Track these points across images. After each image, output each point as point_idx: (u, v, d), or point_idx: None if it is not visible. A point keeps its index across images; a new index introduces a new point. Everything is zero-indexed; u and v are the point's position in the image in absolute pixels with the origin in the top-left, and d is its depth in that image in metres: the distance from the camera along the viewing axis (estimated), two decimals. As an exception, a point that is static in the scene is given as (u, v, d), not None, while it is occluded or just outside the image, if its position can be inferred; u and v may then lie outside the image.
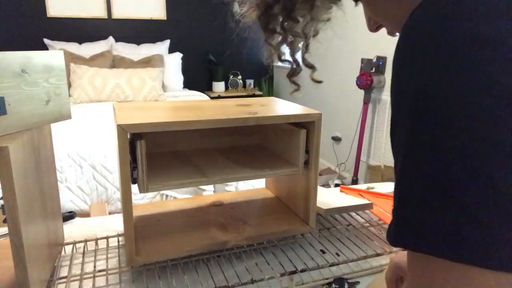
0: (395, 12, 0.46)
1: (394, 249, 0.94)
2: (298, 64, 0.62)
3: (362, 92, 3.02)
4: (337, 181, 3.30)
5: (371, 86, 2.91)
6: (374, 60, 2.93)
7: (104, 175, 2.26)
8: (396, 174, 0.36)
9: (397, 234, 0.35)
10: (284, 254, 0.93)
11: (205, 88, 4.54)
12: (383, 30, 0.55)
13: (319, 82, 0.68)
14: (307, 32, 0.56)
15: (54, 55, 0.76)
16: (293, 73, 0.65)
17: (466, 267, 0.30)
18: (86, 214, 2.16)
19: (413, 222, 0.33)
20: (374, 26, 0.55)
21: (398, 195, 0.35)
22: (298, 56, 0.63)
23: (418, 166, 0.33)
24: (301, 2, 0.52)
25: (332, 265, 0.88)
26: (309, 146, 0.93)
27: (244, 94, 4.56)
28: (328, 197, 1.15)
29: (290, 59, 0.59)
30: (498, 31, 0.31)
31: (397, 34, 0.48)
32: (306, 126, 0.92)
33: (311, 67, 0.62)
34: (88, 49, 3.78)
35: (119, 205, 2.27)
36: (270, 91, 4.76)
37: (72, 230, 1.03)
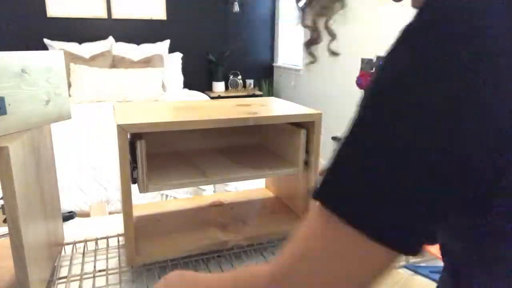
0: None
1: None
2: (318, 33, 0.60)
3: (362, 92, 3.02)
4: (337, 181, 3.30)
5: (371, 86, 2.91)
6: (374, 60, 2.93)
7: (104, 175, 2.26)
8: (345, 135, 0.37)
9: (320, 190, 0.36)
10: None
11: (205, 88, 4.54)
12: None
13: (336, 54, 0.66)
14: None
15: (54, 55, 0.76)
16: (312, 42, 0.62)
17: (356, 233, 0.32)
18: (86, 214, 2.15)
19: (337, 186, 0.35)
20: None
21: (337, 158, 0.37)
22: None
23: (363, 145, 0.34)
24: None
25: (332, 265, 0.88)
26: (309, 146, 0.93)
27: (244, 94, 4.56)
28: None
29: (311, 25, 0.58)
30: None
31: None
32: (306, 126, 0.92)
33: (333, 35, 0.61)
34: (88, 49, 3.78)
35: (119, 205, 2.27)
36: (270, 91, 4.76)
37: (72, 230, 1.03)
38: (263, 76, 4.80)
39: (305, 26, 0.59)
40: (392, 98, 0.33)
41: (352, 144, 0.36)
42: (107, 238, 0.97)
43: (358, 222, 0.33)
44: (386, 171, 0.32)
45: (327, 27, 0.59)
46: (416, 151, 0.32)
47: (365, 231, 0.32)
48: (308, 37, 0.61)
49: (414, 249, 0.33)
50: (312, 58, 0.65)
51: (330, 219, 0.34)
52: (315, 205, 0.36)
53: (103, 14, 4.02)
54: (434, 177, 0.31)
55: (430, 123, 0.31)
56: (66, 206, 2.15)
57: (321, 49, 0.63)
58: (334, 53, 0.67)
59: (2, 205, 0.62)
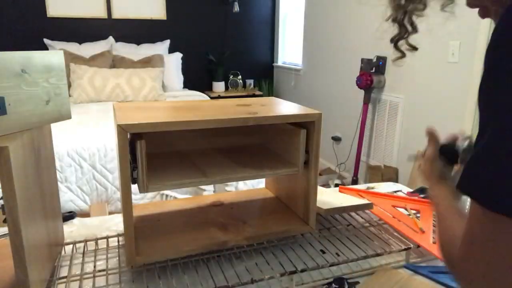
0: None
1: (393, 249, 0.94)
2: (406, 28, 0.63)
3: (362, 92, 3.02)
4: (337, 181, 3.30)
5: (371, 86, 2.91)
6: (374, 60, 2.93)
7: (104, 175, 2.26)
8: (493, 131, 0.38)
9: (462, 181, 0.40)
10: (284, 254, 0.93)
11: (205, 88, 4.54)
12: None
13: (415, 48, 0.69)
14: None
15: (54, 55, 0.76)
16: (399, 38, 0.66)
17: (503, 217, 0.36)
18: (86, 214, 2.16)
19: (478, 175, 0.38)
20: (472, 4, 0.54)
21: (485, 151, 0.39)
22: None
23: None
24: None
25: (332, 265, 0.88)
26: (309, 146, 0.93)
27: (244, 94, 4.56)
28: (328, 197, 1.15)
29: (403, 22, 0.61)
30: None
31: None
32: (306, 126, 0.92)
33: (416, 30, 0.64)
34: (88, 49, 3.78)
35: (119, 205, 2.27)
36: (270, 91, 4.76)
37: (72, 230, 1.03)
38: (263, 76, 4.80)
39: (393, 21, 0.62)
40: None
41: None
42: (107, 238, 0.97)
43: None
44: None
45: (412, 23, 0.62)
46: None
47: None
48: (395, 32, 0.64)
49: None
50: (401, 53, 0.68)
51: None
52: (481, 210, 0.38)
53: (103, 14, 4.02)
54: None
55: None
56: (66, 206, 2.15)
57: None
58: (413, 47, 0.69)
59: (2, 205, 0.62)
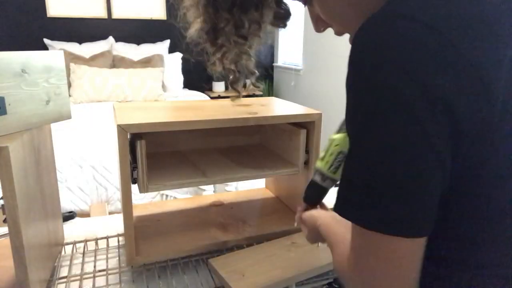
0: (347, 13, 0.51)
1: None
2: (240, 72, 0.67)
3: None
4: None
5: (371, 86, 2.91)
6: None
7: (104, 175, 2.26)
8: (349, 153, 0.44)
9: (342, 208, 0.45)
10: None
11: (205, 88, 4.54)
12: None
13: (258, 87, 0.76)
14: (251, 44, 0.60)
15: (54, 55, 0.76)
16: (235, 81, 0.70)
17: (391, 237, 0.41)
18: (86, 214, 2.15)
19: (356, 201, 0.43)
20: (321, 27, 0.58)
21: (347, 175, 0.45)
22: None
23: (367, 157, 0.41)
24: (250, 23, 0.57)
25: (332, 265, 0.88)
26: (309, 146, 0.93)
27: (244, 94, 4.55)
28: (328, 197, 1.15)
29: (232, 68, 0.63)
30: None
31: (346, 33, 0.55)
32: (306, 126, 0.92)
33: (253, 73, 0.67)
34: (88, 49, 3.77)
35: (119, 205, 2.27)
36: (270, 91, 4.76)
37: (72, 230, 1.03)
38: (263, 76, 4.80)
39: (225, 69, 0.64)
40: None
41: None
42: (107, 238, 0.97)
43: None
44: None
45: (247, 68, 0.64)
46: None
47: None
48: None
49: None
50: (237, 93, 0.73)
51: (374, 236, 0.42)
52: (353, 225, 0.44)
53: (103, 14, 4.02)
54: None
55: None
56: (66, 206, 2.15)
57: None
58: (256, 87, 0.77)
59: (2, 205, 0.62)
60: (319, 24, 0.57)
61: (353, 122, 0.43)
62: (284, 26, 0.62)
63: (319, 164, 0.77)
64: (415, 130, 0.38)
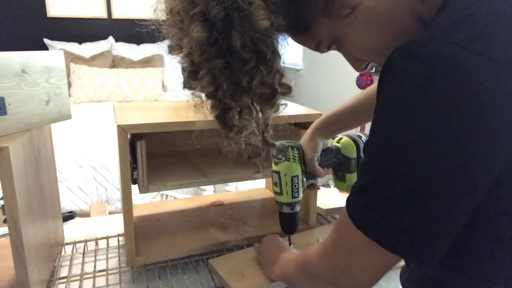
0: (381, 43, 0.48)
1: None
2: (258, 147, 0.66)
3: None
4: (337, 181, 3.29)
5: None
6: (374, 60, 2.93)
7: (104, 175, 2.26)
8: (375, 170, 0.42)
9: (349, 206, 0.45)
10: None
11: (205, 88, 4.53)
12: None
13: (280, 159, 0.77)
14: (266, 118, 0.59)
15: (54, 55, 0.76)
16: (255, 155, 0.69)
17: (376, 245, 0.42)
18: (86, 214, 2.15)
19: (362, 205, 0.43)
20: (362, 65, 0.56)
21: (361, 180, 0.44)
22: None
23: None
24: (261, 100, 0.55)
25: (332, 265, 0.88)
26: (309, 146, 0.93)
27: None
28: (328, 197, 1.15)
29: (251, 142, 0.62)
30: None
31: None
32: (306, 126, 0.92)
33: (273, 145, 0.66)
34: (88, 49, 3.77)
35: (119, 205, 2.27)
36: (270, 91, 4.76)
37: (72, 230, 1.03)
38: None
39: (246, 145, 0.63)
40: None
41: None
42: (107, 238, 0.97)
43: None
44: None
45: (265, 141, 0.65)
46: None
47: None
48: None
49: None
50: (257, 168, 0.72)
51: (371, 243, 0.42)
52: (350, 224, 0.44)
53: (103, 14, 4.02)
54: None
55: None
56: (66, 206, 2.15)
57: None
58: (278, 159, 0.78)
59: (2, 205, 0.62)
60: (359, 63, 0.56)
61: (386, 142, 0.41)
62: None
63: (281, 198, 0.80)
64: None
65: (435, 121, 0.36)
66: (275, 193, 0.80)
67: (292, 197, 0.79)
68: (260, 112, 0.57)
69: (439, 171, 0.37)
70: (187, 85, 3.63)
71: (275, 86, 0.54)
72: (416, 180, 0.38)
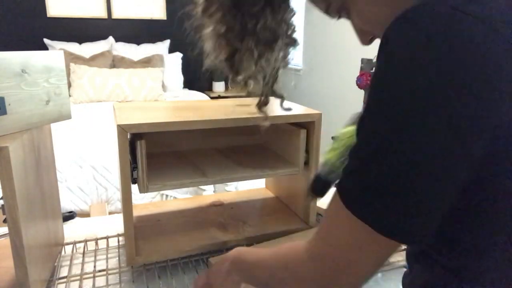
0: (386, 14, 0.47)
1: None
2: (267, 96, 0.67)
3: (362, 92, 3.02)
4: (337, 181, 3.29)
5: (371, 86, 2.91)
6: (374, 60, 2.93)
7: (104, 175, 2.26)
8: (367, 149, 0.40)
9: (350, 202, 0.42)
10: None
11: (205, 88, 4.53)
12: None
13: (289, 109, 0.76)
14: (275, 68, 0.60)
15: (54, 55, 0.76)
16: (263, 104, 0.71)
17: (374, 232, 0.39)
18: (86, 214, 2.15)
19: (368, 200, 0.40)
20: (367, 38, 0.56)
21: (366, 171, 0.40)
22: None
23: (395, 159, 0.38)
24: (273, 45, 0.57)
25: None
26: (309, 146, 0.93)
27: (244, 94, 4.56)
28: (328, 197, 1.14)
29: (260, 91, 0.64)
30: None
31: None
32: (306, 126, 0.92)
33: (281, 97, 0.67)
34: (88, 49, 3.77)
35: (119, 205, 2.27)
36: (270, 91, 4.76)
37: (72, 230, 1.03)
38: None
39: (250, 93, 0.64)
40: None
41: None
42: (107, 238, 0.97)
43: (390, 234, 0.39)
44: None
45: (273, 92, 0.64)
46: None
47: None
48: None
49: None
50: (265, 115, 0.73)
51: (362, 226, 0.40)
52: (341, 205, 0.41)
53: (103, 14, 4.02)
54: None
55: None
56: (66, 206, 2.15)
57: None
58: (286, 109, 0.77)
59: (2, 205, 0.62)
60: (364, 35, 0.55)
61: (381, 116, 0.39)
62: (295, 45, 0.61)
63: (329, 155, 0.72)
64: (457, 142, 0.36)
65: (432, 89, 0.35)
66: (329, 150, 0.73)
67: (338, 159, 0.70)
68: (268, 61, 0.57)
69: (437, 140, 0.36)
70: (186, 84, 3.58)
71: (278, 33, 0.54)
72: (415, 154, 0.37)
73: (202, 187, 2.13)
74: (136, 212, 1.01)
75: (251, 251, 0.61)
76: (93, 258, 0.90)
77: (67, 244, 0.95)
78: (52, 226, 0.86)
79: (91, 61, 3.64)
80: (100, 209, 2.21)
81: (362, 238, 0.41)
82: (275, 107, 0.99)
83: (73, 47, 3.74)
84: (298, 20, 0.58)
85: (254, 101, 1.06)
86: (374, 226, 0.39)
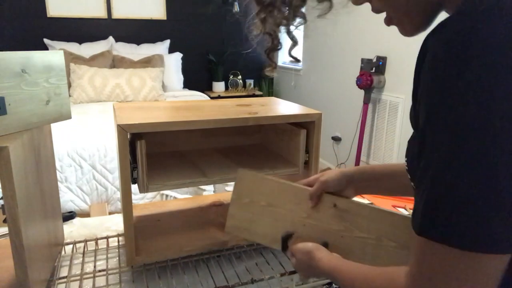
0: None
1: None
2: (278, 40, 0.65)
3: (362, 92, 3.02)
4: (337, 181, 3.29)
5: (371, 86, 2.91)
6: (374, 60, 2.93)
7: (104, 175, 2.26)
8: (430, 171, 0.39)
9: (423, 225, 0.40)
10: (284, 254, 0.93)
11: (205, 88, 4.53)
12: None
13: (297, 60, 0.72)
14: (295, 16, 0.61)
15: (54, 55, 0.76)
16: (272, 49, 0.67)
17: (473, 254, 0.37)
18: (86, 214, 2.15)
19: (441, 218, 0.38)
20: (386, 19, 0.55)
21: (431, 191, 0.39)
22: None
23: (459, 172, 0.37)
24: None
25: (332, 265, 0.88)
26: (309, 146, 0.93)
27: (244, 94, 4.56)
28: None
29: (272, 33, 0.63)
30: None
31: (395, 23, 0.52)
32: (306, 126, 0.92)
33: (296, 41, 0.65)
34: (88, 49, 3.77)
35: (119, 205, 2.27)
36: (270, 91, 4.76)
37: (72, 230, 1.03)
38: (263, 76, 4.79)
39: (265, 33, 0.64)
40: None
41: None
42: (107, 238, 0.97)
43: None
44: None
45: (290, 33, 0.64)
46: None
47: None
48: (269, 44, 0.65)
49: None
50: (273, 63, 0.71)
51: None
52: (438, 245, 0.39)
53: (103, 14, 4.02)
54: None
55: None
56: (66, 206, 2.15)
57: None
58: (295, 59, 0.73)
59: (2, 205, 0.62)
60: (385, 17, 0.54)
61: (442, 129, 0.38)
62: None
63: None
64: None
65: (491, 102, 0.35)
66: None
67: None
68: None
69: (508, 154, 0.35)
70: (186, 84, 3.59)
71: None
72: (495, 169, 0.35)
73: (202, 187, 2.13)
74: (136, 212, 1.01)
75: (344, 271, 0.58)
76: (93, 258, 0.90)
77: (67, 244, 0.95)
78: (52, 226, 0.86)
79: (91, 61, 3.64)
80: (100, 209, 2.21)
81: (462, 265, 0.38)
82: (274, 107, 0.99)
83: (73, 47, 3.74)
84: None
85: (254, 101, 1.06)
86: (481, 249, 0.37)
